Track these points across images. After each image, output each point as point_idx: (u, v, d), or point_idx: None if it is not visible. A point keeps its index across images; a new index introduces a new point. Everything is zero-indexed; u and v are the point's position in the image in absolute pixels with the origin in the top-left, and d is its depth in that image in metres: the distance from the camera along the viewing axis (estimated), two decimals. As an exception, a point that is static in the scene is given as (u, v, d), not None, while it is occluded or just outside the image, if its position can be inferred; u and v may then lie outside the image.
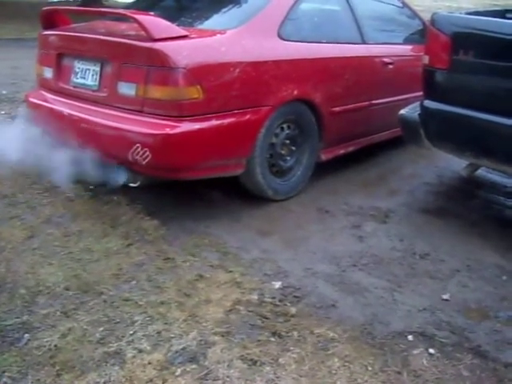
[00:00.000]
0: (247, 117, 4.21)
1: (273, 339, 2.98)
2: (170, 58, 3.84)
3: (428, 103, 4.39)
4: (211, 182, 4.47)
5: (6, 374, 2.68)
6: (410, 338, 3.08)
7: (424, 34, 5.69)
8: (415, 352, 2.97)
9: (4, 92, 7.85)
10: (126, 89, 4.06)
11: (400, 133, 5.03)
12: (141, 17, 4.04)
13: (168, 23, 4.06)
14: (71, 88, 4.54)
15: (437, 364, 2.89)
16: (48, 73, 4.80)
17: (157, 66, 3.90)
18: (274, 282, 3.52)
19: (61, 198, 4.44)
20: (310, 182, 4.97)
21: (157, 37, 3.90)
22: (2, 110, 6.95)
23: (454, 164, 5.40)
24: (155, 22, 4.03)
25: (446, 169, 5.64)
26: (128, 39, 4.14)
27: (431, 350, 2.99)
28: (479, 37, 4.18)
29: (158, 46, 3.88)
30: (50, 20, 4.92)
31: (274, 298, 3.35)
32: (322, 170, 5.12)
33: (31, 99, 4.94)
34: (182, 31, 4.05)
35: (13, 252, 3.71)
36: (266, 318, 3.15)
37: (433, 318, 3.28)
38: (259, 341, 2.96)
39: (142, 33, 3.97)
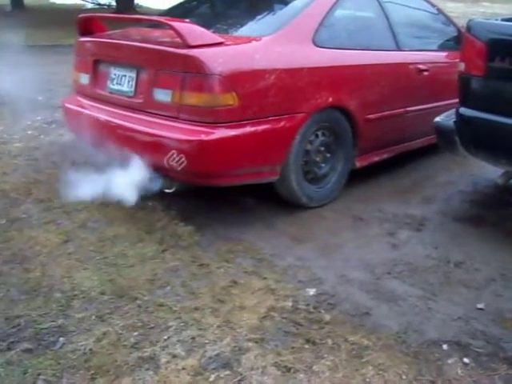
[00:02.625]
0: (282, 124, 4.21)
1: (307, 346, 2.97)
2: (206, 65, 3.86)
3: (464, 110, 4.36)
4: (245, 188, 4.47)
5: (41, 376, 2.70)
6: (445, 346, 3.05)
7: (458, 41, 5.69)
8: (450, 361, 2.94)
9: (40, 98, 7.94)
10: (162, 95, 4.09)
11: (434, 140, 5.01)
12: (177, 24, 4.06)
13: (203, 30, 4.09)
14: (107, 94, 4.58)
15: (471, 374, 2.86)
16: (84, 79, 4.85)
17: (192, 72, 3.92)
18: (308, 289, 3.51)
19: (96, 203, 4.47)
20: (343, 188, 4.96)
21: (192, 43, 3.93)
22: (38, 116, 7.03)
23: (489, 172, 5.36)
24: (191, 29, 4.05)
25: (480, 177, 5.59)
26: (164, 46, 4.16)
27: (466, 360, 2.95)
28: (516, 43, 4.15)
29: (193, 52, 3.91)
30: (87, 27, 4.97)
31: (308, 304, 3.34)
32: (356, 177, 5.10)
33: (67, 105, 4.99)
34: (217, 38, 4.07)
35: (48, 256, 3.75)
36: (300, 325, 3.14)
37: (467, 327, 3.24)
38: (293, 348, 2.95)
39: (178, 39, 3.99)
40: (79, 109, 4.79)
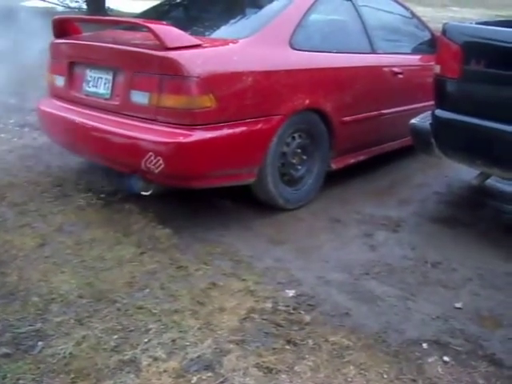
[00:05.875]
0: (259, 126, 4.21)
1: (288, 347, 2.98)
2: (184, 67, 3.85)
3: (439, 112, 4.39)
4: (222, 190, 4.46)
5: (21, 381, 2.68)
6: (425, 345, 3.08)
7: (432, 44, 5.75)
8: (430, 360, 2.97)
9: (12, 101, 7.86)
10: (139, 97, 4.07)
11: (410, 142, 5.04)
12: (154, 25, 4.04)
13: (181, 32, 4.08)
14: (83, 96, 4.54)
15: (452, 372, 2.89)
16: (59, 81, 4.80)
17: (170, 74, 3.91)
18: (287, 291, 3.52)
19: (72, 207, 4.45)
20: (320, 190, 4.97)
21: (170, 46, 3.91)
22: (11, 119, 6.95)
23: (464, 173, 5.40)
24: (168, 31, 4.04)
25: (455, 178, 5.63)
26: (141, 48, 4.14)
27: (446, 358, 2.99)
28: (490, 46, 4.19)
29: (171, 54, 3.89)
30: (62, 29, 4.92)
31: (288, 306, 3.35)
32: (332, 179, 5.11)
33: (42, 108, 4.94)
34: (195, 40, 4.06)
35: (25, 260, 3.71)
36: (281, 326, 3.15)
37: (446, 326, 3.28)
38: (274, 349, 2.96)
39: (155, 42, 3.98)
40: (54, 111, 4.74)
